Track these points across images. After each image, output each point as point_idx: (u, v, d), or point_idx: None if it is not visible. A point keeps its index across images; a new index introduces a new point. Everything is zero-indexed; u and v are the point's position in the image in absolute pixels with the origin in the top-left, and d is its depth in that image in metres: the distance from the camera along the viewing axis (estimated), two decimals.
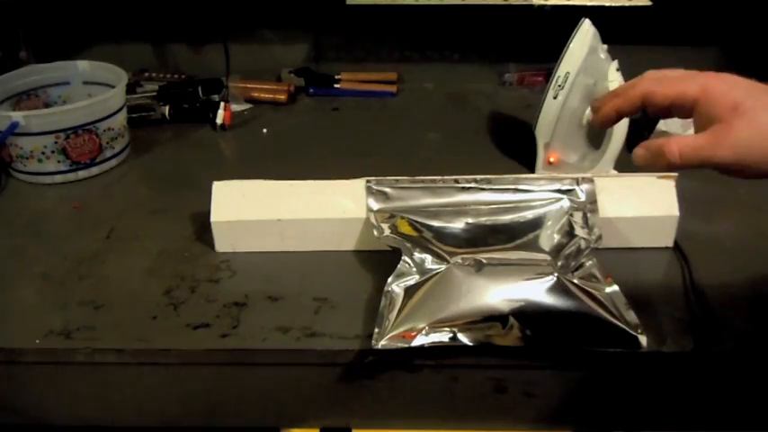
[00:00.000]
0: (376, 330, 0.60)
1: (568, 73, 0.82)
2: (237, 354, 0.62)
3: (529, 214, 0.71)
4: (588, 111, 0.86)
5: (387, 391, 0.64)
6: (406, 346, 0.59)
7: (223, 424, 0.68)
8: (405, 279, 0.65)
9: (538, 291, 0.62)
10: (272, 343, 0.62)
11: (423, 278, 0.65)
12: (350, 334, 0.63)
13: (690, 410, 0.66)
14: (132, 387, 0.65)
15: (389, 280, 0.65)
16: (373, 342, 0.60)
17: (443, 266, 0.65)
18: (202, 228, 0.75)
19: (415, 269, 0.66)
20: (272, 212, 0.73)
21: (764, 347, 0.62)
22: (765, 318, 0.65)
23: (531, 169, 0.90)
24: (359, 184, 0.73)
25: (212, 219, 0.73)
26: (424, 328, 0.60)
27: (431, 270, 0.65)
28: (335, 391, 0.65)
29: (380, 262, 0.69)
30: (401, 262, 0.66)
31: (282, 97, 1.12)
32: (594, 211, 0.71)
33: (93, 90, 0.98)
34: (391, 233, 0.69)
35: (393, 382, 0.64)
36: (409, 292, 0.64)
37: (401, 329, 0.60)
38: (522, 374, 0.63)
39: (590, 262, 0.66)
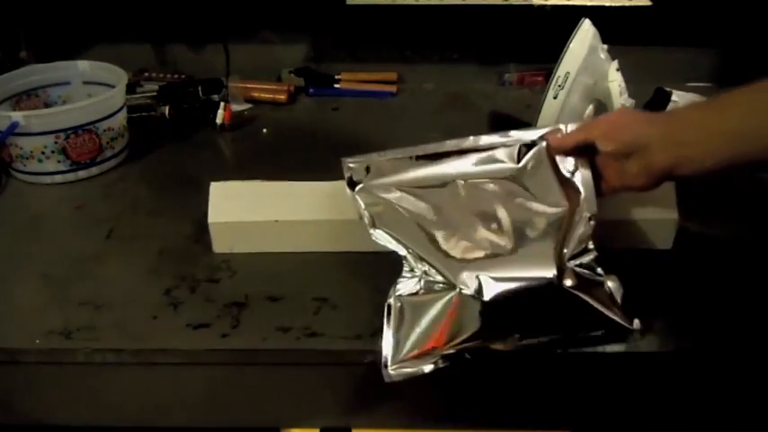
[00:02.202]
0: (385, 355, 0.59)
1: (568, 73, 0.82)
2: (237, 354, 0.62)
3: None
4: (589, 110, 0.86)
5: (387, 391, 0.64)
6: (419, 373, 0.59)
7: (223, 424, 0.68)
8: (407, 290, 0.63)
9: (537, 294, 0.62)
10: (272, 343, 0.62)
11: (426, 295, 0.62)
12: (350, 334, 0.63)
13: (690, 410, 0.66)
14: (132, 387, 0.65)
15: (392, 292, 0.63)
16: (384, 374, 0.59)
17: (450, 294, 0.62)
18: (202, 228, 0.75)
19: (417, 277, 0.64)
20: (269, 213, 0.73)
21: (764, 347, 0.62)
22: (764, 318, 0.65)
23: None
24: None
25: (210, 220, 0.73)
26: (436, 358, 0.59)
27: (433, 287, 0.63)
28: (335, 391, 0.65)
29: (380, 262, 0.69)
30: (403, 271, 0.64)
31: (282, 97, 1.12)
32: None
33: (93, 90, 0.98)
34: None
35: (393, 383, 0.64)
36: (414, 311, 0.61)
37: (411, 357, 0.59)
38: (522, 374, 0.63)
39: (589, 257, 0.66)
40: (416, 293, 0.63)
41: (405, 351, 0.60)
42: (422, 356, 0.59)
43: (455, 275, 0.62)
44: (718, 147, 0.58)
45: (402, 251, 0.64)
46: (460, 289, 0.61)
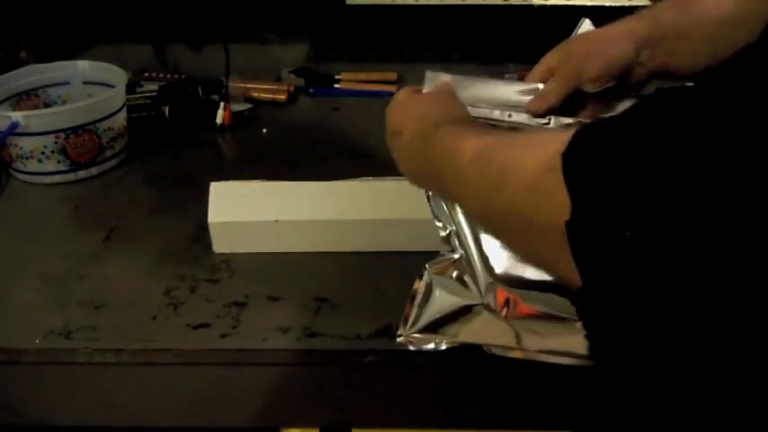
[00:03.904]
0: (404, 323, 0.61)
1: None
2: (237, 354, 0.62)
3: None
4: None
5: (387, 391, 0.64)
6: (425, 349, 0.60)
7: (223, 424, 0.68)
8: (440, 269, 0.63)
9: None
10: (272, 343, 0.62)
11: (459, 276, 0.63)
12: (350, 334, 0.63)
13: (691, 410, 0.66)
14: (132, 387, 0.65)
15: (428, 266, 0.63)
16: (398, 339, 0.60)
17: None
18: (202, 228, 0.75)
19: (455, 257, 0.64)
20: (269, 214, 0.73)
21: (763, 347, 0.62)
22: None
23: None
24: (358, 185, 0.73)
25: (210, 220, 0.73)
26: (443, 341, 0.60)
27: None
28: (335, 391, 0.65)
29: (380, 262, 0.70)
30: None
31: (282, 97, 1.12)
32: None
33: (93, 90, 0.98)
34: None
35: (393, 382, 0.64)
36: (440, 292, 0.62)
37: (426, 333, 0.61)
38: (522, 375, 0.63)
39: None
40: (450, 275, 0.63)
41: (419, 326, 0.61)
42: (432, 334, 0.60)
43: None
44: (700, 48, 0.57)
45: (445, 231, 0.64)
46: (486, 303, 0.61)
